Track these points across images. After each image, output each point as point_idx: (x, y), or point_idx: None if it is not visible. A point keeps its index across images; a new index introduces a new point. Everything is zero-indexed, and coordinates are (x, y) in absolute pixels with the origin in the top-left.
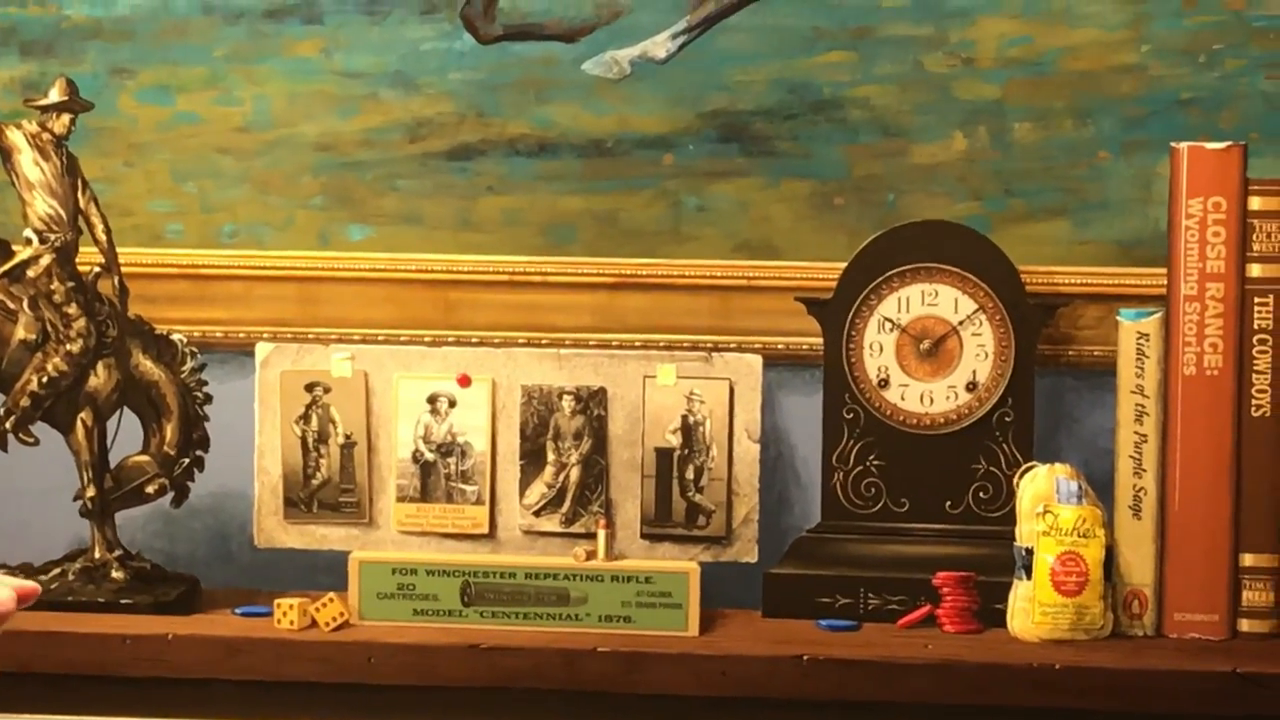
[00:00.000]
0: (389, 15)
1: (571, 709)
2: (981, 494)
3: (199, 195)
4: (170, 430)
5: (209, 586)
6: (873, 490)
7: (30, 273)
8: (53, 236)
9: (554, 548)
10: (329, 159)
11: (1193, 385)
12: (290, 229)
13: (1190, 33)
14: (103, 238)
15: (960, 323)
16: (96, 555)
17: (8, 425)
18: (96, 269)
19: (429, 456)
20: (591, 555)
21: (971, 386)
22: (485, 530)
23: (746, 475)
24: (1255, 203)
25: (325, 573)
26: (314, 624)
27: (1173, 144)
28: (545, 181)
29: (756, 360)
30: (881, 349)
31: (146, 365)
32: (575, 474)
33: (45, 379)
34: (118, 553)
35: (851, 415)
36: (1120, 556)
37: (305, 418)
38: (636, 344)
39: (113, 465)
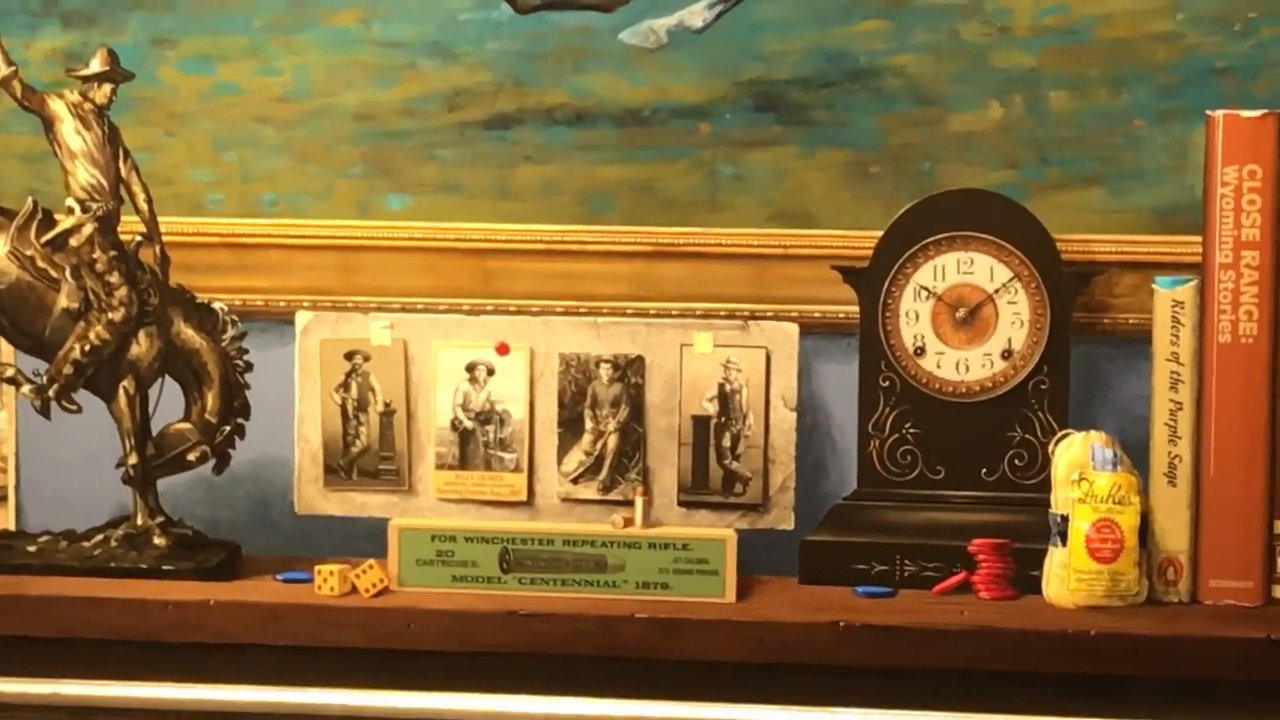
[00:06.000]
0: None
1: (609, 675)
2: (1017, 461)
3: (239, 165)
4: (211, 398)
5: (250, 553)
6: (908, 458)
7: (72, 242)
8: (94, 205)
9: (592, 515)
10: (368, 128)
11: (1228, 353)
12: (330, 198)
13: (1225, 1)
14: (144, 207)
15: (996, 291)
16: (139, 522)
17: (51, 393)
18: (138, 238)
19: (467, 424)
20: (629, 522)
21: (1007, 354)
22: (523, 497)
23: (783, 443)
24: None
25: (365, 539)
26: (354, 590)
27: (1208, 112)
28: (582, 151)
29: (793, 328)
30: (917, 317)
31: (188, 334)
32: (613, 442)
33: (88, 347)
34: (160, 519)
35: (887, 383)
36: (1155, 523)
37: (345, 385)
38: (673, 312)
39: (154, 433)
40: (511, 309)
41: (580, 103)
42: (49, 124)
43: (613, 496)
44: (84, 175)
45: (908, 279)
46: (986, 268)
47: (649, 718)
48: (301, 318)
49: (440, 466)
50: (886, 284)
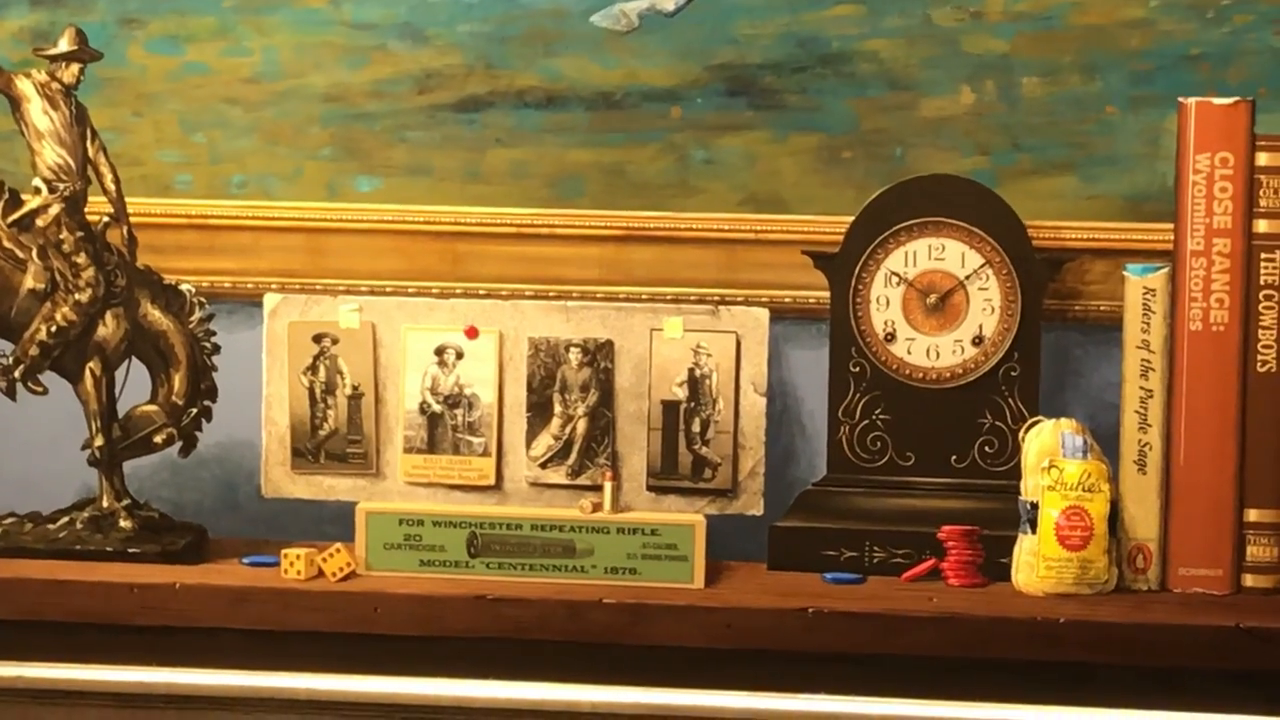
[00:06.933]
0: None
1: (577, 660)
2: (987, 448)
3: (208, 146)
4: (178, 380)
5: (216, 536)
6: (878, 444)
7: (39, 222)
8: (62, 186)
9: (560, 499)
10: (337, 110)
11: (1199, 340)
12: (299, 180)
13: None
14: (111, 187)
15: (967, 277)
16: (104, 504)
17: (16, 374)
18: (105, 219)
19: (436, 408)
20: (598, 507)
21: (978, 341)
22: (492, 482)
23: (752, 428)
24: (1262, 158)
25: (332, 523)
26: (321, 574)
27: (1180, 99)
28: (553, 134)
29: (763, 313)
30: (888, 303)
31: (155, 315)
32: (582, 426)
33: (54, 328)
34: (126, 502)
35: (858, 369)
36: (1125, 511)
37: (313, 368)
38: (643, 297)
39: (121, 415)
40: (481, 292)
41: (551, 86)
42: (16, 103)
43: (581, 481)
44: (51, 155)
45: (878, 264)
46: (958, 254)
47: (617, 703)
48: (269, 300)
49: (408, 450)
50: (857, 269)
